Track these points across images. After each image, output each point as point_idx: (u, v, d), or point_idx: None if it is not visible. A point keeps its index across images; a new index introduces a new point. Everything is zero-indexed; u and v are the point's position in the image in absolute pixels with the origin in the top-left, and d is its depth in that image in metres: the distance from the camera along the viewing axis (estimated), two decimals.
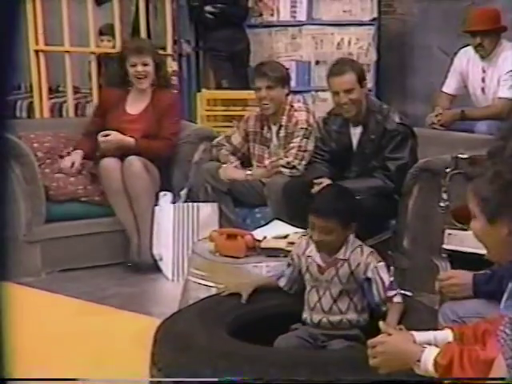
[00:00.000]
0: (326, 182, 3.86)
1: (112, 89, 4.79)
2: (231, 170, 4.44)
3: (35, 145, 4.53)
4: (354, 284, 2.62)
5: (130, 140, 4.49)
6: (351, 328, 2.63)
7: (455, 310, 2.39)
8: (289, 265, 2.79)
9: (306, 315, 2.69)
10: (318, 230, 2.59)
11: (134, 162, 4.41)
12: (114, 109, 4.64)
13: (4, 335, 1.06)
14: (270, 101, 4.31)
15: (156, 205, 4.47)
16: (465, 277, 2.50)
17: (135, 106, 4.64)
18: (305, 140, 4.29)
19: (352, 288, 2.63)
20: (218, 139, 4.63)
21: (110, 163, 4.44)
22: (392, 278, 2.63)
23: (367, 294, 2.63)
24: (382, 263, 2.62)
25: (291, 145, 4.30)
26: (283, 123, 4.37)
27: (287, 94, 4.38)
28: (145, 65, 4.54)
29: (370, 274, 2.59)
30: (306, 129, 4.30)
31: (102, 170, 4.45)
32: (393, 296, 2.59)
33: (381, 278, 2.59)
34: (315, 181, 3.87)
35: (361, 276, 2.60)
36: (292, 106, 4.39)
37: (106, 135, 4.49)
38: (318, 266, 2.65)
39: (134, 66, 4.54)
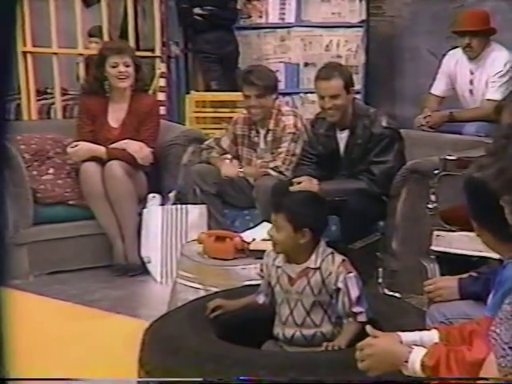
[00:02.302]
0: (304, 180, 3.87)
1: (91, 97, 4.63)
2: (225, 166, 4.39)
3: (22, 147, 4.49)
4: (327, 295, 2.50)
5: (100, 149, 4.45)
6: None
7: (442, 312, 2.40)
8: (261, 277, 2.66)
9: (277, 330, 2.58)
10: (273, 225, 2.54)
11: (115, 166, 4.38)
12: (97, 120, 4.58)
13: (3, 336, 1.05)
14: (260, 108, 4.30)
15: (144, 207, 4.46)
16: (450, 280, 2.51)
17: (116, 116, 4.58)
18: (293, 144, 4.28)
19: (325, 300, 2.50)
20: (207, 142, 4.62)
21: (90, 167, 4.41)
22: (360, 293, 2.46)
23: (334, 306, 2.50)
24: (352, 274, 2.47)
25: (279, 149, 4.29)
26: (271, 127, 4.36)
27: (275, 99, 4.38)
28: (127, 66, 4.48)
29: (340, 285, 2.46)
30: (294, 133, 4.29)
31: (83, 174, 4.43)
32: (358, 313, 2.46)
33: (347, 290, 2.46)
34: (294, 180, 3.90)
35: (332, 286, 2.48)
36: (280, 110, 4.38)
37: (75, 146, 4.45)
38: (289, 277, 2.53)
39: (115, 66, 4.46)
